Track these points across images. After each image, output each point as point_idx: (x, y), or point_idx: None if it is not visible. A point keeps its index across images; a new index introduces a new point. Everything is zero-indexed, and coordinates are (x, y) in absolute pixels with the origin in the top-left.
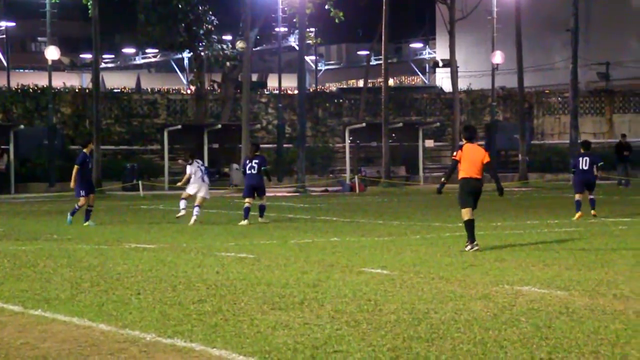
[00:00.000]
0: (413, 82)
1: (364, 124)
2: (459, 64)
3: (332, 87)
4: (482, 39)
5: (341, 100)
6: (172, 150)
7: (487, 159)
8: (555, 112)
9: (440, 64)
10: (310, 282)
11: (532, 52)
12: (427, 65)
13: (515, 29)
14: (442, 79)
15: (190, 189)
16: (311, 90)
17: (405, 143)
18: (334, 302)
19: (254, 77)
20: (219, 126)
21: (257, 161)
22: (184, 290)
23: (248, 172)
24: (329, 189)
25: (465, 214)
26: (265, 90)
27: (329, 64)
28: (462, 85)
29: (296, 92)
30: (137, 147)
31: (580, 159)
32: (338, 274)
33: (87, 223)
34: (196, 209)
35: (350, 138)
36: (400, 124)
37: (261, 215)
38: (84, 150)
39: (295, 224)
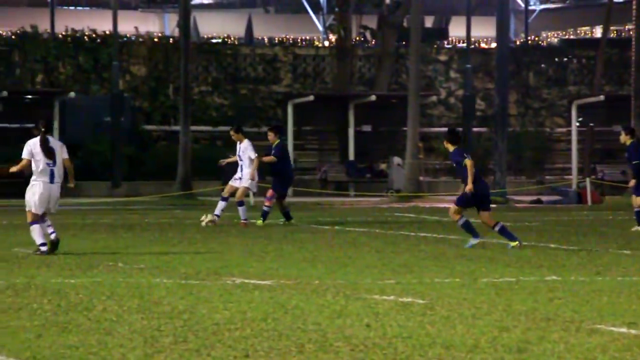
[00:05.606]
0: None
1: (601, 98)
2: None
3: (552, 38)
4: None
5: (565, 60)
6: (299, 133)
7: None
8: None
9: None
10: (512, 344)
11: None
12: None
13: None
14: None
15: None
16: (518, 43)
17: None
18: None
19: (429, 22)
20: (373, 98)
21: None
22: (316, 351)
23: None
24: (544, 198)
25: None
26: (445, 42)
27: (546, 2)
28: None
29: (494, 45)
30: (246, 128)
31: None
32: (557, 333)
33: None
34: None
35: (580, 119)
36: None
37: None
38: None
39: (489, 252)
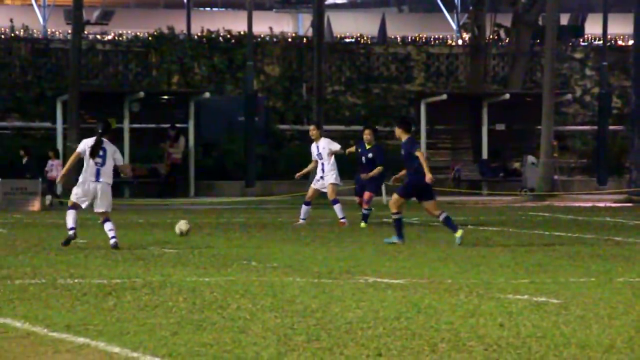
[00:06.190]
0: None
1: None
2: None
3: None
4: None
5: None
6: (432, 132)
7: None
8: None
9: None
10: None
11: None
12: None
13: None
14: None
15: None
16: None
17: None
18: None
19: (564, 20)
20: (507, 96)
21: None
22: (449, 351)
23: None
24: None
25: None
26: (581, 40)
27: None
28: None
29: (631, 42)
30: (379, 127)
31: None
32: None
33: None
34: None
35: None
36: None
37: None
38: None
39: (626, 251)
